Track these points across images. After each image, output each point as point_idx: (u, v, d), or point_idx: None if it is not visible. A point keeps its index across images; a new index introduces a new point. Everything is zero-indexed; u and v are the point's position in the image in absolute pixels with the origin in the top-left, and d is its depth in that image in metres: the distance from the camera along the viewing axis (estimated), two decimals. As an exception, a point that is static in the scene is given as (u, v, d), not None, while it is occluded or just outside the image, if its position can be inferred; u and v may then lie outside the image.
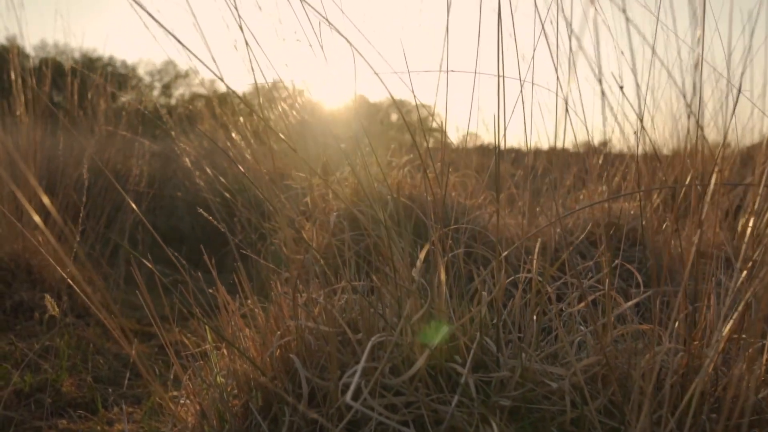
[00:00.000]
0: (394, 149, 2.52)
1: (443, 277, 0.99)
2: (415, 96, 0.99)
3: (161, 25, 0.82)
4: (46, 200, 0.79)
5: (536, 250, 1.06)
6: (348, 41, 0.91)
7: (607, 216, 2.02)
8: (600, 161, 2.61)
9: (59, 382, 1.74)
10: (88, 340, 2.04)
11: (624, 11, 0.74)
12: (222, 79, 0.88)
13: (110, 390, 1.77)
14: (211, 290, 1.09)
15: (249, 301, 1.03)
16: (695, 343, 0.87)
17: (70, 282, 0.93)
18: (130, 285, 2.99)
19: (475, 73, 0.98)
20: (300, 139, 2.55)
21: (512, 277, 1.10)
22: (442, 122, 1.04)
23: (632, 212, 2.26)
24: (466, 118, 1.10)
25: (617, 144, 2.77)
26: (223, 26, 1.87)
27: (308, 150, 2.11)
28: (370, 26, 1.10)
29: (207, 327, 1.03)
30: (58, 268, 2.31)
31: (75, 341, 2.01)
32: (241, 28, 0.96)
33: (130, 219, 2.54)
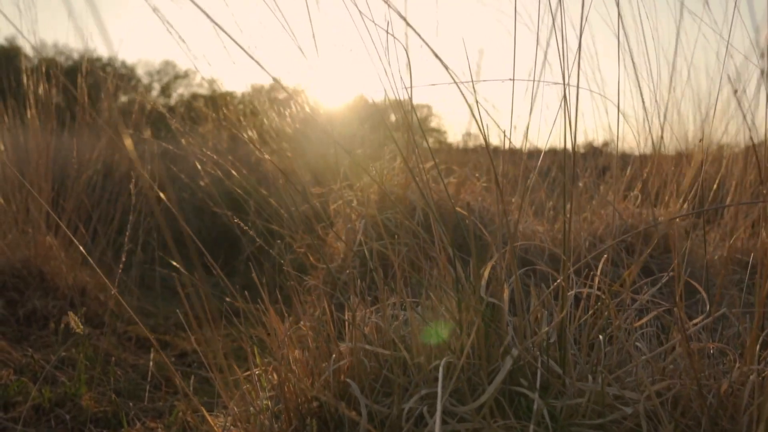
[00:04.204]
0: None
1: (506, 295, 0.94)
2: (478, 103, 0.94)
3: (223, 31, 0.77)
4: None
5: (600, 265, 1.01)
6: (427, 44, 0.86)
7: (640, 222, 1.97)
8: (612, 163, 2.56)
9: (78, 395, 1.67)
10: (104, 351, 1.98)
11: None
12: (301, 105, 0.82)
13: (131, 404, 1.71)
14: (260, 309, 1.03)
15: (302, 323, 0.97)
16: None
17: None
18: (142, 289, 2.93)
19: (565, 84, 0.93)
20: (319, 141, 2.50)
21: (572, 292, 1.05)
22: (505, 130, 0.99)
23: (659, 218, 2.21)
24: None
25: (621, 144, 2.72)
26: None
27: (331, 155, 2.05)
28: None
29: (255, 349, 0.98)
30: (71, 276, 2.25)
31: (91, 352, 1.95)
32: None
33: (143, 223, 2.47)
